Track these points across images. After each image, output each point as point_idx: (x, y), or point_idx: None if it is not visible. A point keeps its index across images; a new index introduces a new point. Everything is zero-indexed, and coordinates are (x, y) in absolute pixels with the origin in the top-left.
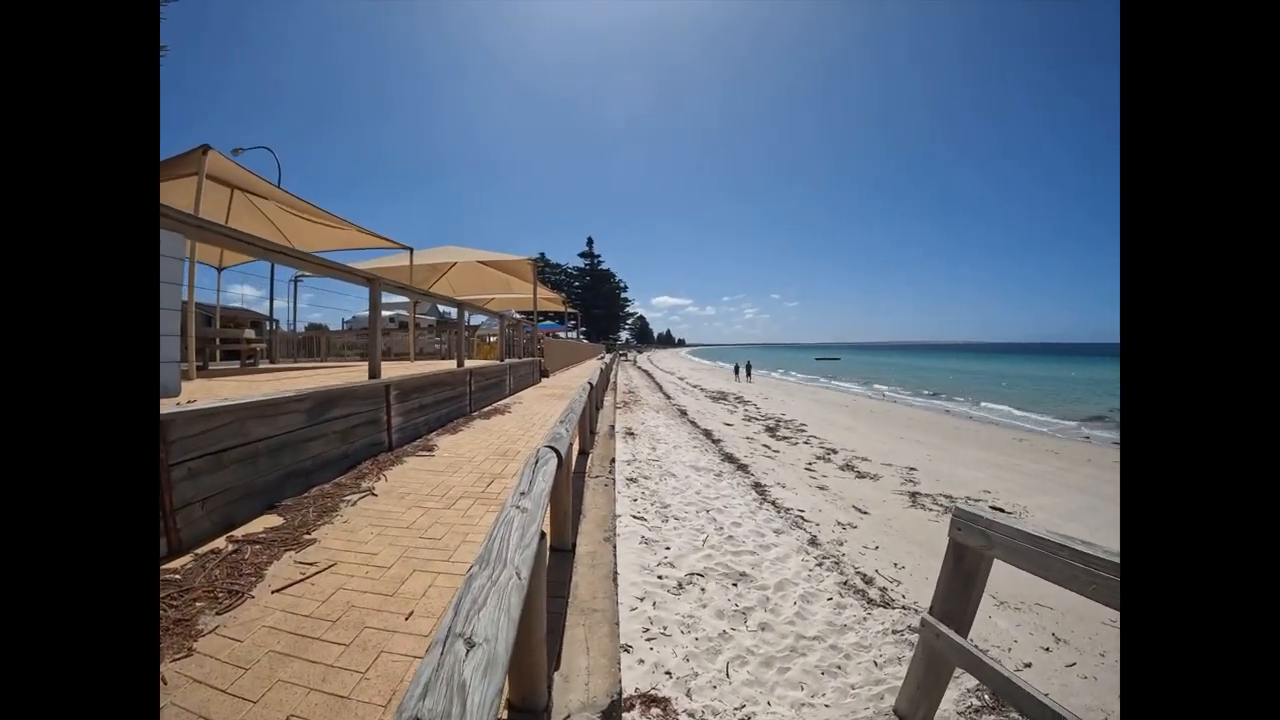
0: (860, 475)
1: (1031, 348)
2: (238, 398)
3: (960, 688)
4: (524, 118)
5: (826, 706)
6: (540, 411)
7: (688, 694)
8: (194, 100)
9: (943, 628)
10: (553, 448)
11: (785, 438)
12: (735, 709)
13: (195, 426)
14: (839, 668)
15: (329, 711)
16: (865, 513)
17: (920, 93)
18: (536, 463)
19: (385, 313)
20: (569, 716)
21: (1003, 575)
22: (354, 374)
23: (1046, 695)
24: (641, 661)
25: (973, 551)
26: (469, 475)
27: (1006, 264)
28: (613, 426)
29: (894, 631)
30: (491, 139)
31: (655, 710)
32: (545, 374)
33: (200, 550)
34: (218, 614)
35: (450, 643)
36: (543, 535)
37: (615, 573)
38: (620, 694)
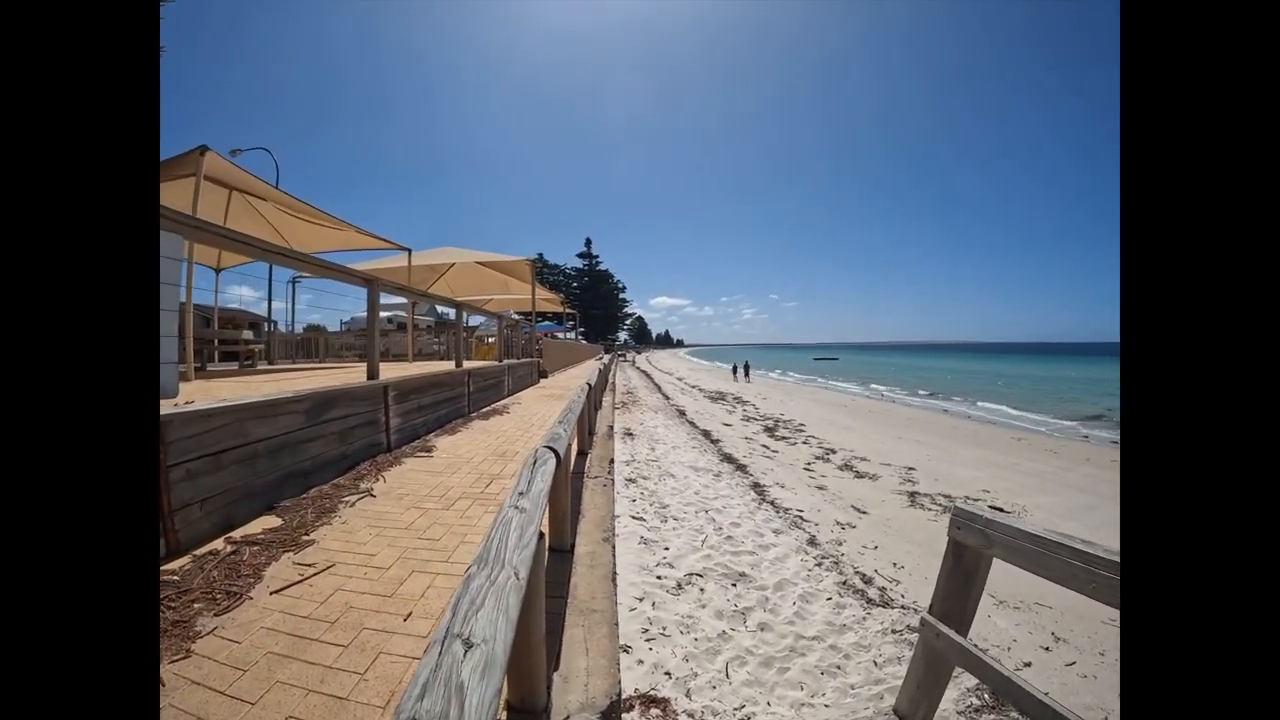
0: (859, 475)
1: (1031, 347)
2: (236, 399)
3: (960, 687)
4: (523, 118)
5: (826, 706)
6: (539, 412)
7: (687, 694)
8: (192, 101)
9: (942, 627)
10: (551, 448)
11: (784, 438)
12: (735, 709)
13: (193, 427)
14: (838, 668)
15: (328, 713)
16: (864, 512)
17: (920, 93)
18: (535, 463)
19: (383, 314)
20: (568, 717)
21: (1002, 575)
22: (352, 375)
23: (1046, 694)
24: (641, 662)
25: (972, 551)
26: (467, 476)
27: (1006, 264)
28: (611, 427)
29: (893, 631)
30: (490, 139)
31: (655, 710)
32: (544, 374)
33: (198, 551)
34: (216, 615)
35: (448, 643)
36: (541, 536)
37: (614, 573)
38: (619, 694)
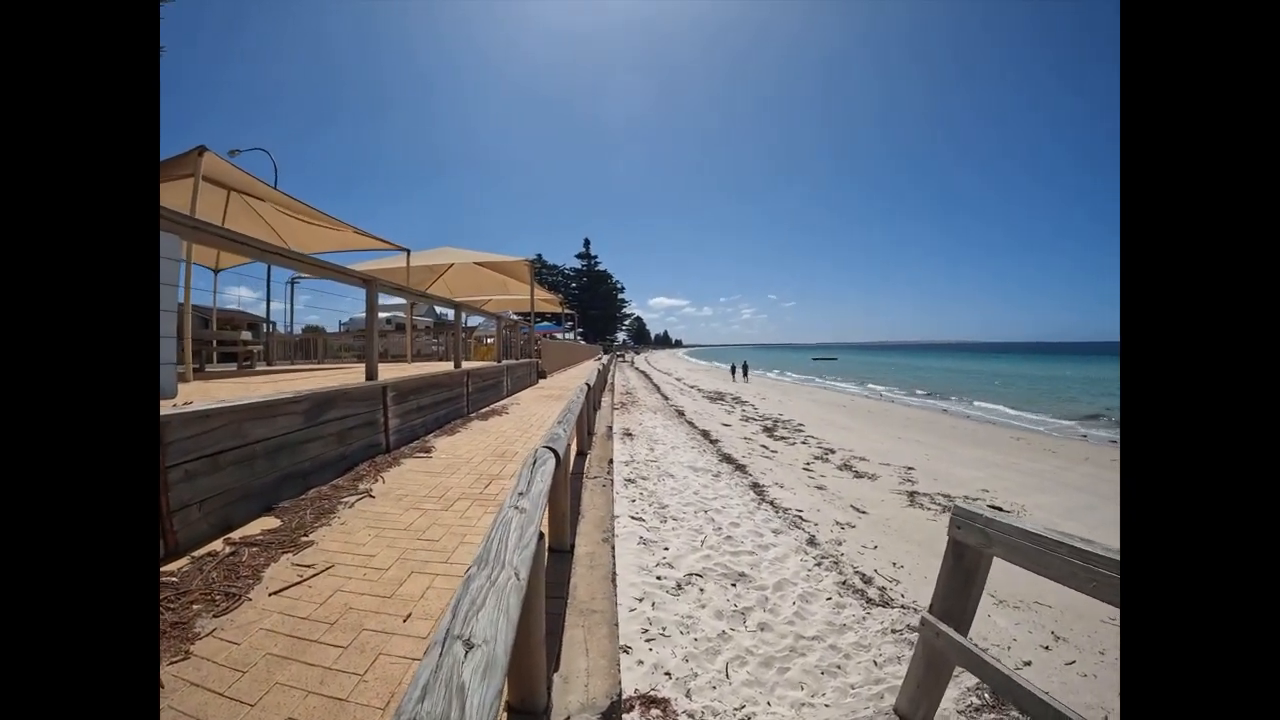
0: (858, 475)
1: (1030, 347)
2: (234, 399)
3: (960, 686)
4: (522, 118)
5: (826, 706)
6: (538, 412)
7: (687, 694)
8: (191, 101)
9: (943, 626)
10: (551, 448)
11: (783, 438)
12: (735, 709)
13: (192, 428)
14: (839, 667)
15: (327, 714)
16: (863, 512)
17: (920, 93)
18: (534, 463)
19: (382, 314)
20: (569, 717)
21: (1002, 574)
22: (351, 376)
23: (1046, 693)
24: (641, 662)
25: (972, 550)
26: (467, 476)
27: (1006, 264)
28: (610, 427)
29: (893, 631)
30: (489, 139)
31: (655, 711)
32: (543, 375)
33: (197, 553)
34: (215, 617)
35: (449, 644)
36: (541, 536)
37: (614, 573)
38: (620, 695)
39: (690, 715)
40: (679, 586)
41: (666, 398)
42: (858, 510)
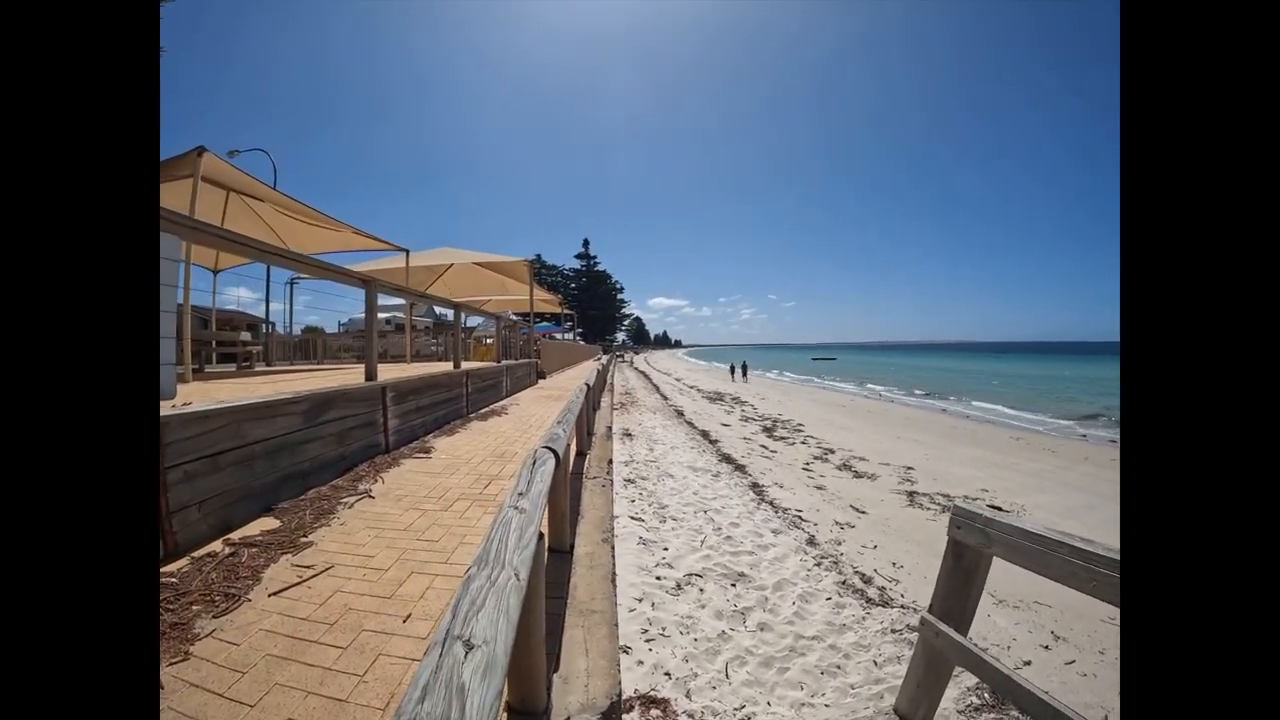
0: (858, 475)
1: (1029, 346)
2: (234, 400)
3: (960, 686)
4: (521, 118)
5: (826, 706)
6: (537, 413)
7: (687, 695)
8: (189, 101)
9: (942, 626)
10: (550, 448)
11: (782, 438)
12: (735, 709)
13: (191, 429)
14: (838, 667)
15: (327, 715)
16: (863, 512)
17: (919, 92)
18: (534, 464)
19: (381, 315)
20: (569, 718)
21: (1002, 573)
22: (350, 376)
23: (1046, 693)
24: (641, 663)
25: (972, 550)
26: (466, 477)
27: (1006, 264)
28: (610, 427)
29: (893, 630)
30: (488, 139)
31: (655, 711)
32: (542, 375)
33: (197, 553)
34: (214, 617)
35: (449, 645)
36: (541, 536)
37: (614, 574)
38: (620, 695)
39: (690, 715)
40: (679, 587)
41: (666, 398)
42: (857, 510)
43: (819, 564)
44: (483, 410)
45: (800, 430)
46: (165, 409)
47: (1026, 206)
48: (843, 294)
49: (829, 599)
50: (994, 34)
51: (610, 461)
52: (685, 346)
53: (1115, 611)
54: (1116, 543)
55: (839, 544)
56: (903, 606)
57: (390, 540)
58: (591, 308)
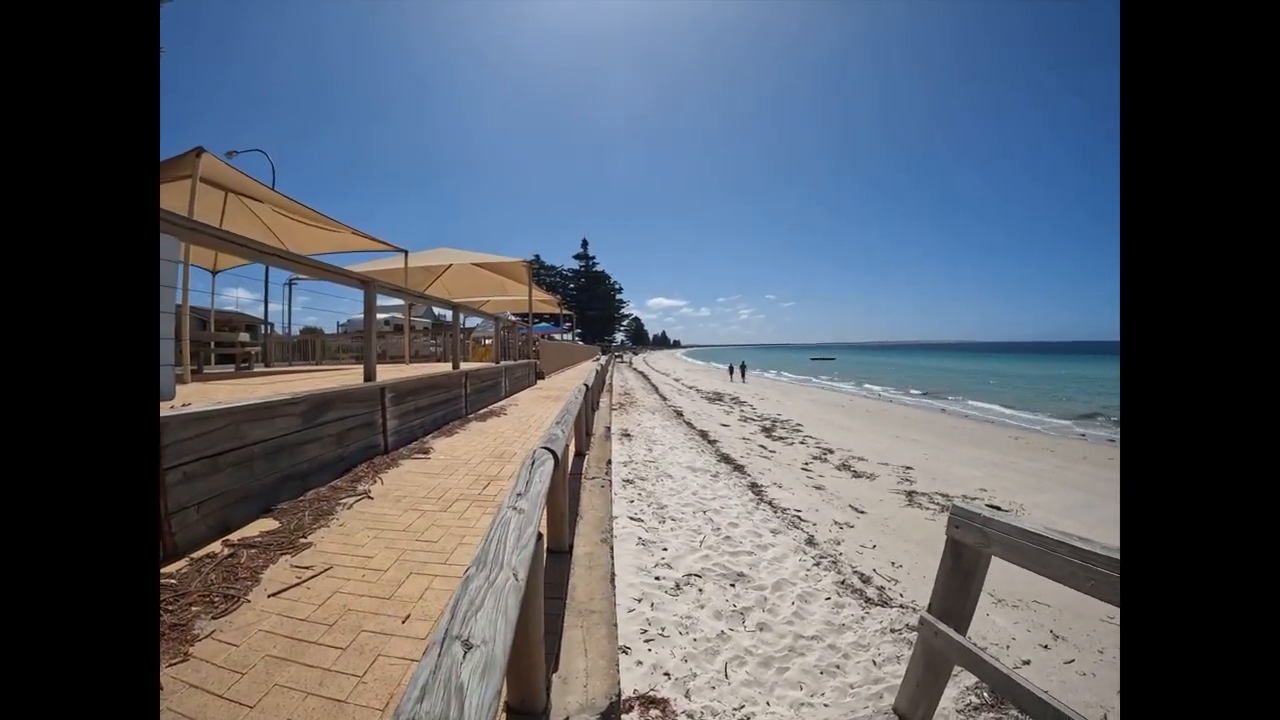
0: (857, 474)
1: (1029, 346)
2: (233, 401)
3: (959, 685)
4: (520, 118)
5: (826, 706)
6: (536, 413)
7: (686, 695)
8: (188, 102)
9: (941, 626)
10: (549, 449)
11: (781, 438)
12: (734, 709)
13: (190, 430)
14: (838, 667)
15: (326, 715)
16: (862, 512)
17: (919, 92)
18: (533, 464)
19: (380, 315)
20: (568, 718)
21: (1001, 573)
22: (349, 377)
23: (1045, 692)
24: (640, 663)
25: (970, 549)
26: (465, 477)
27: (1006, 264)
28: (609, 428)
29: (892, 630)
30: (487, 139)
31: (654, 711)
32: (541, 376)
33: (196, 554)
34: (214, 618)
35: (447, 645)
36: (539, 537)
37: (612, 574)
38: (619, 695)
39: (689, 715)
40: (678, 587)
41: (665, 398)
42: (856, 510)
43: (818, 564)
44: (481, 411)
45: (799, 430)
46: (164, 410)
47: (1026, 206)
48: (843, 294)
49: (828, 599)
50: (995, 34)
51: (609, 462)
52: (684, 347)
53: (1114, 611)
54: (1115, 542)
55: (838, 544)
56: (902, 606)
57: (389, 541)
58: (590, 308)
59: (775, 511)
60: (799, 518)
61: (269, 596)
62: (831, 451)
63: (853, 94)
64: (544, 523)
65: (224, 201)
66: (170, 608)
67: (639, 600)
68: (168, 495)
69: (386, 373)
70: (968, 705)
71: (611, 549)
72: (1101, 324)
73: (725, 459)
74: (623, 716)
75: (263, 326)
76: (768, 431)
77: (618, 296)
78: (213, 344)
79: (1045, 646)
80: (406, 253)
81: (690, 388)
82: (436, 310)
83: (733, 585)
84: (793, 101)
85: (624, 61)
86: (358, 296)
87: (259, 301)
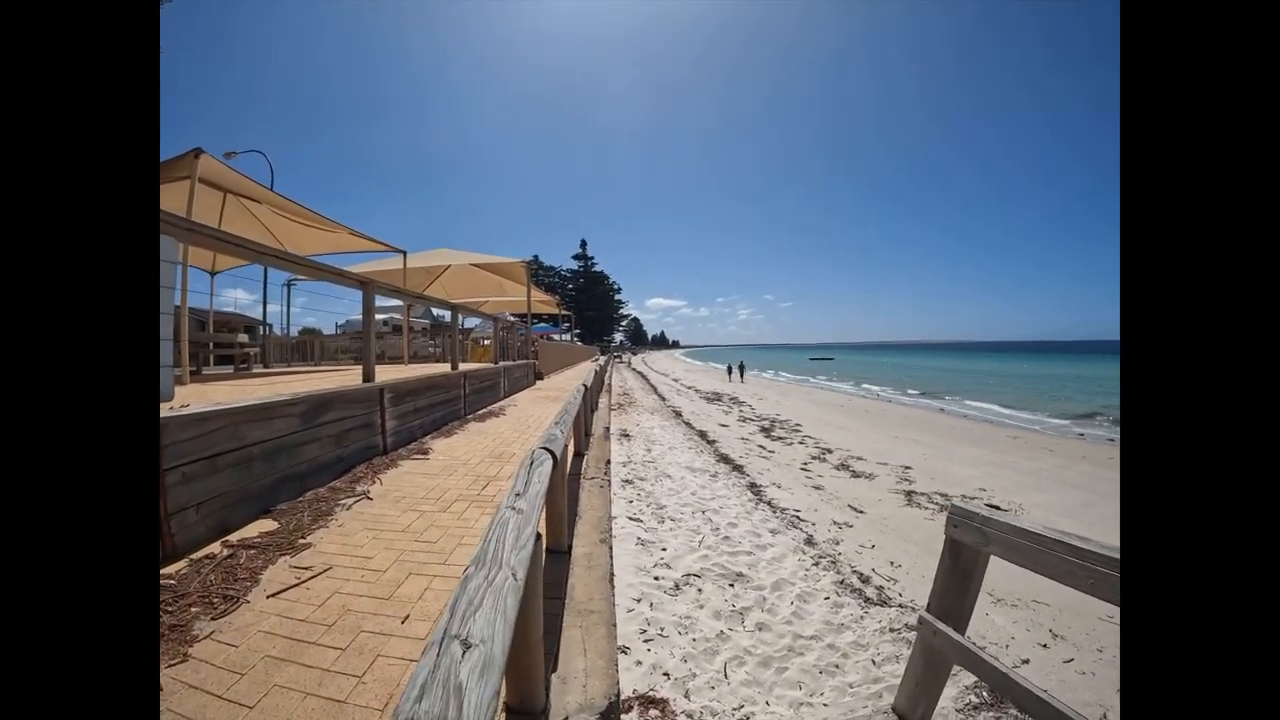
0: (855, 474)
1: (1028, 346)
2: (231, 402)
3: (958, 685)
4: (519, 118)
5: (825, 706)
6: (535, 414)
7: (686, 695)
8: (186, 103)
9: (940, 625)
10: (548, 449)
11: (780, 438)
12: (734, 709)
13: (189, 431)
14: (837, 667)
15: (326, 716)
16: (861, 512)
17: (919, 93)
18: (532, 464)
19: (379, 316)
20: (567, 718)
21: (1000, 572)
22: (348, 378)
23: (1045, 691)
24: (639, 663)
25: (969, 548)
26: (464, 478)
27: (1006, 263)
28: (608, 428)
29: (891, 630)
30: (486, 140)
31: (653, 711)
32: (539, 376)
33: (195, 555)
34: (213, 619)
35: (446, 644)
36: (538, 537)
37: (611, 574)
38: (618, 695)
39: (689, 715)
40: (677, 587)
41: (664, 398)
42: (855, 510)
43: (817, 563)
44: (480, 411)
45: (798, 430)
46: (163, 411)
47: (1026, 206)
48: (842, 294)
49: (827, 598)
50: (995, 34)
51: (608, 462)
52: (683, 347)
53: (1112, 609)
54: (1115, 541)
55: (837, 543)
56: (901, 605)
57: (388, 541)
58: (589, 308)
59: (774, 511)
60: (798, 517)
61: (268, 597)
62: (830, 451)
63: (852, 94)
64: (543, 523)
65: (222, 202)
66: (170, 608)
67: (638, 600)
68: (167, 496)
69: (385, 373)
70: (967, 704)
71: (610, 549)
72: (1101, 324)
73: (724, 459)
74: (622, 716)
75: (261, 327)
76: (766, 431)
77: (616, 297)
78: (211, 345)
79: (1044, 645)
80: (405, 253)
81: (689, 388)
82: (435, 311)
83: (732, 585)
84: (792, 101)
85: (624, 61)
86: (356, 297)
87: (257, 302)
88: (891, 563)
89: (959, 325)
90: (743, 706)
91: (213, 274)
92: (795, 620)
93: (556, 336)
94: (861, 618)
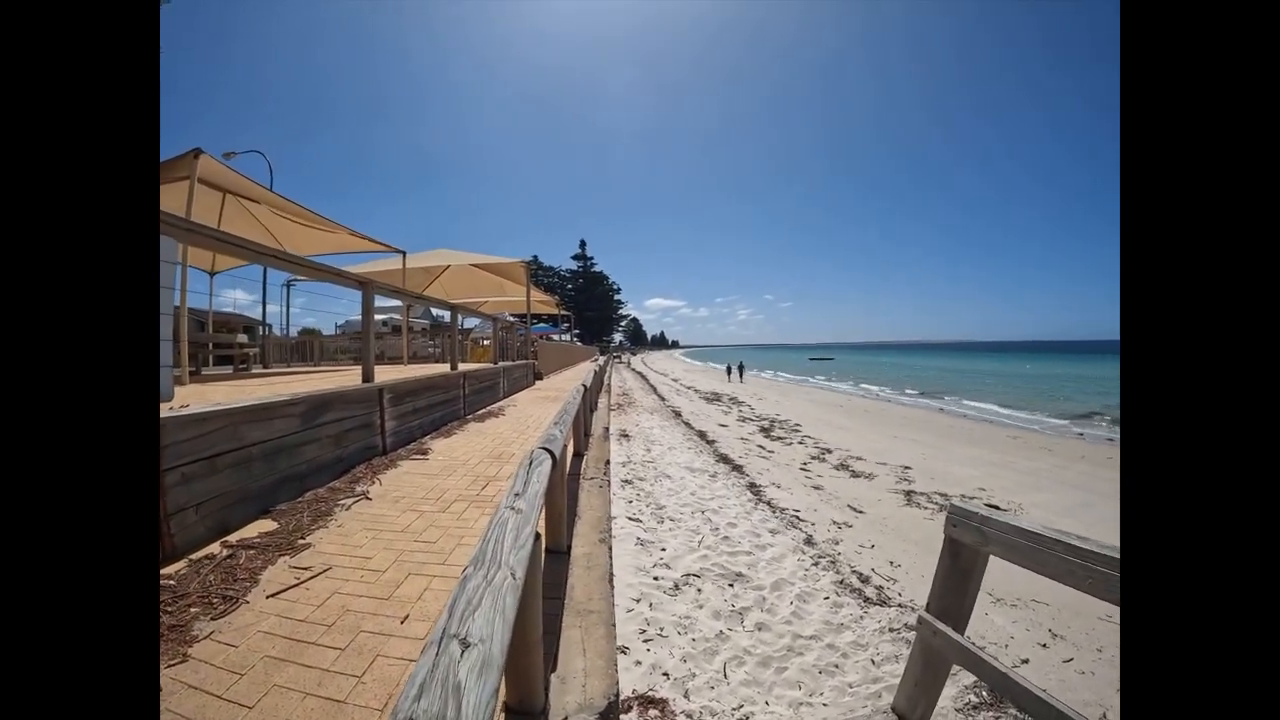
0: (855, 474)
1: (1028, 345)
2: (231, 402)
3: (958, 685)
4: (519, 119)
5: (825, 705)
6: (534, 414)
7: (685, 695)
8: (185, 103)
9: (940, 625)
10: (547, 449)
11: (780, 438)
12: (733, 709)
13: (188, 431)
14: (836, 666)
15: (325, 716)
16: (860, 512)
17: (919, 93)
18: (531, 464)
19: (379, 317)
20: (566, 718)
21: (999, 572)
22: (347, 378)
23: (1044, 691)
24: (639, 663)
25: (968, 548)
26: (463, 478)
27: (1006, 263)
28: (607, 429)
29: (891, 629)
30: (486, 140)
31: (653, 711)
32: (539, 376)
33: (194, 556)
34: (212, 619)
35: (445, 644)
36: (537, 536)
37: (611, 574)
38: (617, 695)
39: (688, 715)
40: (676, 587)
41: (663, 398)
42: (855, 510)
43: (816, 563)
44: (480, 412)
45: (797, 430)
46: (163, 412)
47: (1026, 206)
48: (842, 294)
49: (827, 598)
50: (995, 34)
51: (607, 462)
52: (682, 347)
53: (1112, 609)
54: (1114, 540)
55: (836, 543)
56: (900, 605)
57: (388, 542)
58: (588, 309)
59: (774, 511)
60: (797, 517)
61: (268, 597)
62: (830, 451)
63: (852, 94)
64: (542, 523)
65: (222, 203)
66: (169, 609)
67: (637, 600)
68: (166, 497)
69: (385, 374)
70: (966, 704)
71: (610, 549)
72: (1101, 324)
73: (723, 459)
74: (621, 716)
75: (261, 328)
76: (766, 431)
77: (616, 297)
78: (211, 345)
79: (1044, 645)
80: (405, 254)
81: (688, 388)
82: (435, 311)
83: (731, 585)
84: (792, 101)
85: (624, 61)
86: (356, 298)
87: (257, 303)
88: (891, 562)
89: (959, 325)
90: (742, 706)
91: (212, 274)
92: (795, 620)
93: (556, 337)
94: (861, 617)
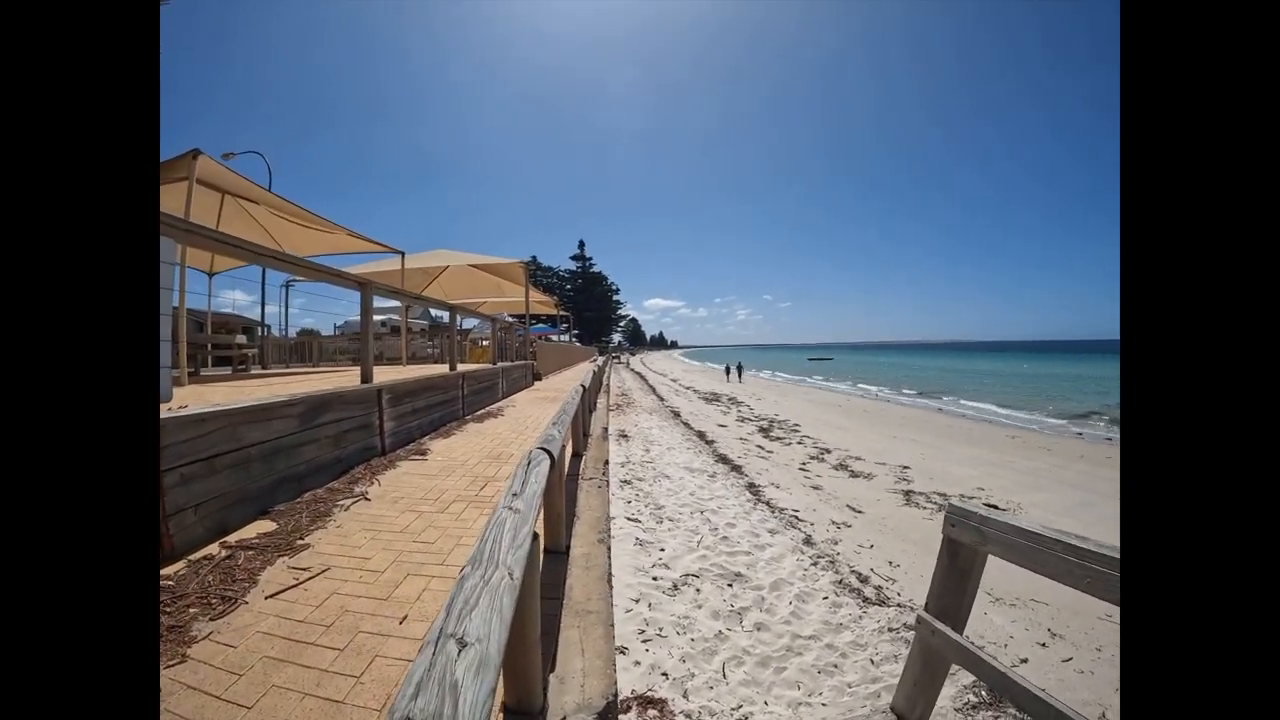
0: (854, 474)
1: (1028, 345)
2: (230, 403)
3: (957, 684)
4: (518, 119)
5: (824, 705)
6: (533, 414)
7: (684, 695)
8: (184, 103)
9: (938, 624)
10: (545, 449)
11: (779, 438)
12: (732, 709)
13: (187, 432)
14: (835, 666)
15: (324, 716)
16: (859, 512)
17: (919, 93)
18: (529, 464)
19: (377, 317)
20: (565, 718)
21: (999, 572)
22: (346, 379)
23: (1043, 690)
24: (638, 663)
25: (967, 548)
26: (462, 479)
27: (1005, 263)
28: (606, 429)
29: (890, 629)
30: (485, 140)
31: (652, 711)
32: (538, 377)
33: (193, 556)
34: (211, 620)
35: (442, 643)
36: (536, 537)
37: (610, 574)
38: (616, 695)
39: (687, 715)
40: (675, 587)
41: (662, 399)
42: (854, 510)
43: (815, 563)
44: (479, 412)
45: (796, 430)
46: (162, 412)
47: (1026, 206)
48: (841, 294)
49: (826, 598)
50: (995, 34)
51: (606, 463)
52: (681, 347)
53: (1111, 608)
54: (1113, 540)
55: (835, 543)
56: (899, 605)
57: (386, 542)
58: (587, 309)
59: (773, 511)
60: (796, 517)
61: (266, 598)
62: (829, 451)
63: (852, 94)
64: (541, 523)
65: (220, 203)
66: (168, 609)
67: (636, 600)
68: (165, 497)
69: (383, 374)
70: (966, 704)
71: (609, 549)
72: (1101, 324)
73: (722, 459)
74: (620, 716)
75: (259, 328)
76: (765, 431)
77: (615, 297)
78: (210, 346)
79: (1043, 645)
80: (403, 254)
81: (687, 388)
82: (433, 312)
83: (730, 585)
84: (792, 101)
85: (624, 61)
86: (355, 298)
87: (256, 303)
88: (890, 562)
89: (959, 325)
90: (741, 706)
91: (210, 275)
92: (794, 620)
93: (555, 337)
94: (860, 617)
